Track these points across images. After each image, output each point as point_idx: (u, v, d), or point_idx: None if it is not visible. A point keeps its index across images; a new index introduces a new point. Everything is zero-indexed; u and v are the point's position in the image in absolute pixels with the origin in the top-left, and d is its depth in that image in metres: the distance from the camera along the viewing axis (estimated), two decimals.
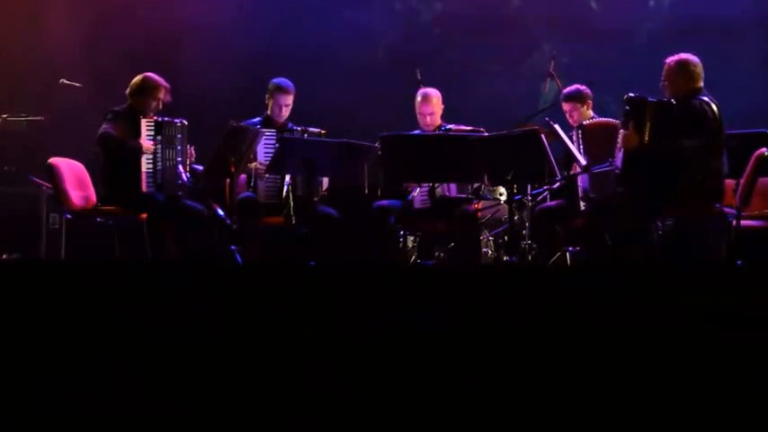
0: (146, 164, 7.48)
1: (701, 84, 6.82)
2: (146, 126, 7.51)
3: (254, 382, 3.88)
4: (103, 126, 7.47)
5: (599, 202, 7.19)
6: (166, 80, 7.73)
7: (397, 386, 3.82)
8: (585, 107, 7.76)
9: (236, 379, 3.89)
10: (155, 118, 7.59)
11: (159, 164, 7.54)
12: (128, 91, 7.65)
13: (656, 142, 6.63)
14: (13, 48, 9.49)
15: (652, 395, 3.74)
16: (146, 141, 7.47)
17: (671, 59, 6.89)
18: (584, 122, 7.55)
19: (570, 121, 7.77)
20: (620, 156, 6.79)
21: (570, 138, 7.55)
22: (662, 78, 6.90)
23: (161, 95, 7.60)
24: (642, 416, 3.72)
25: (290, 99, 7.89)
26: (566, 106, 7.83)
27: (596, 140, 7.21)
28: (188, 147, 7.64)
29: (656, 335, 3.86)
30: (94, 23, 9.61)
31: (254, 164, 7.66)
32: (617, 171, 6.84)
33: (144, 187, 7.47)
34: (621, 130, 6.75)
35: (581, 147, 7.40)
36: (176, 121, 7.60)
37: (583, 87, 7.85)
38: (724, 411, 3.68)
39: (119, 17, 9.73)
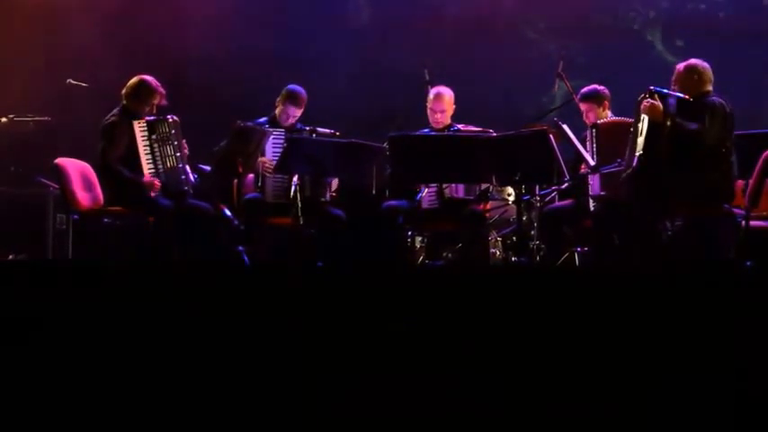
0: (147, 166, 7.48)
1: (710, 87, 6.90)
2: (138, 128, 7.51)
3: (256, 382, 3.87)
4: (101, 145, 7.46)
5: (609, 201, 7.16)
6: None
7: (400, 387, 3.81)
8: (602, 108, 7.72)
9: (239, 379, 3.88)
10: (145, 119, 7.58)
11: (159, 164, 7.54)
12: (123, 91, 7.64)
13: (675, 129, 6.68)
14: (18, 48, 9.48)
15: (659, 395, 3.73)
16: (146, 178, 7.46)
17: (680, 65, 7.02)
18: (599, 121, 7.53)
19: (586, 121, 7.74)
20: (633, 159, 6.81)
21: (584, 136, 7.54)
22: (672, 82, 6.94)
23: (155, 101, 7.60)
24: (646, 417, 3.71)
25: (299, 112, 7.91)
26: (582, 106, 7.80)
27: (609, 140, 7.19)
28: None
29: (662, 335, 3.85)
30: (99, 23, 9.60)
31: (261, 158, 7.65)
32: (628, 170, 6.84)
33: (151, 192, 7.47)
34: (648, 100, 6.75)
35: (594, 146, 7.38)
36: (168, 117, 7.60)
37: (601, 88, 7.82)
38: (728, 412, 3.68)
39: (125, 16, 9.73)
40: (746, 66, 9.58)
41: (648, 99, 6.77)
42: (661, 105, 6.72)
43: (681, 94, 6.82)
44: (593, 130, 7.45)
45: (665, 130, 6.69)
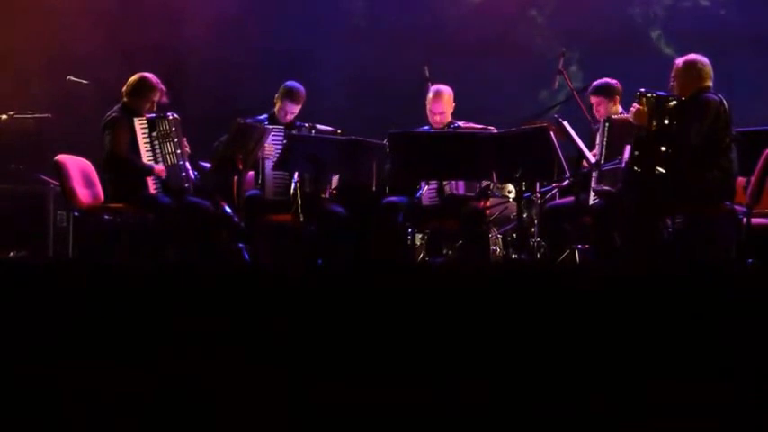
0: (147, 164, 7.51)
1: (710, 83, 6.86)
2: (139, 126, 7.53)
3: (257, 381, 3.87)
4: (107, 139, 7.47)
5: (610, 194, 7.13)
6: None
7: (400, 386, 3.80)
8: (613, 103, 7.64)
9: (239, 377, 3.87)
10: (146, 116, 7.59)
11: (160, 161, 7.55)
12: (124, 89, 7.65)
13: (661, 130, 6.68)
14: (19, 46, 9.48)
15: (660, 393, 3.72)
16: (157, 166, 7.49)
17: (679, 60, 6.97)
18: (613, 116, 7.48)
19: (596, 115, 7.68)
20: (627, 150, 6.80)
21: (596, 128, 7.51)
22: (671, 78, 6.92)
23: (155, 98, 7.61)
24: (646, 417, 3.71)
25: (296, 108, 7.87)
26: (593, 99, 7.73)
27: (620, 136, 7.15)
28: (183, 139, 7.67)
29: (665, 333, 3.84)
30: (99, 20, 9.60)
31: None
32: (622, 167, 6.85)
33: (152, 189, 7.48)
34: (635, 105, 6.75)
35: (605, 139, 7.32)
36: (168, 115, 7.61)
37: (614, 82, 7.72)
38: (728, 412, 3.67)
39: (125, 14, 9.73)
40: (748, 64, 9.58)
41: (635, 104, 6.76)
42: (646, 109, 6.71)
43: (671, 94, 6.82)
44: (607, 124, 7.37)
45: (651, 134, 6.68)
